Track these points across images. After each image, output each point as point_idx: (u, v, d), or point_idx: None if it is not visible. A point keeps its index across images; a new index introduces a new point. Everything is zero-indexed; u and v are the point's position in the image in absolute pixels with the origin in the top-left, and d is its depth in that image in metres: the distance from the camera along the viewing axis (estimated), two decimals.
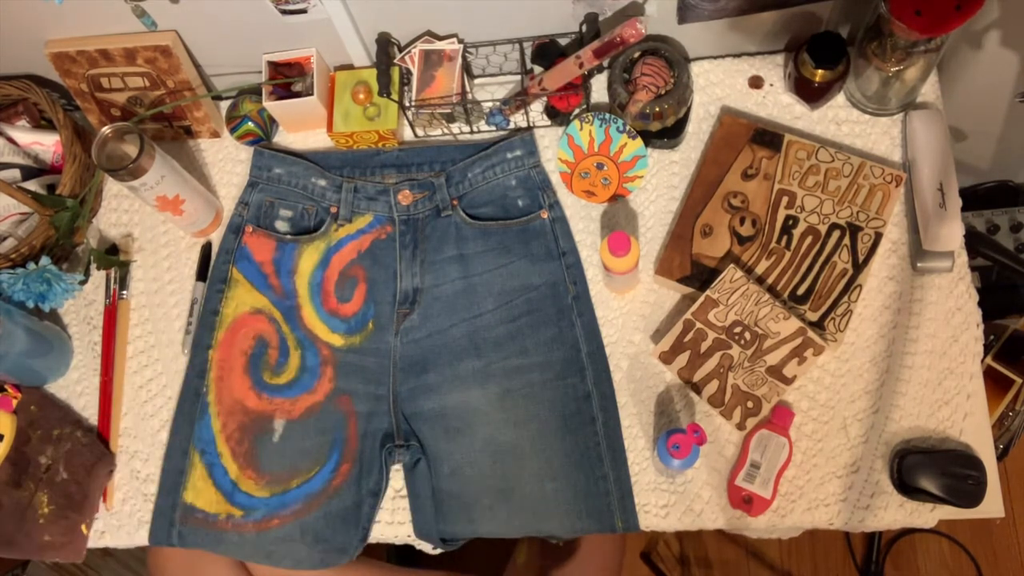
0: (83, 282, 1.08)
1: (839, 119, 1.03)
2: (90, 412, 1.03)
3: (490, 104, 1.07)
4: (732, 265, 0.93)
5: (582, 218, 1.03)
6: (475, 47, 1.05)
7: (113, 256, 1.08)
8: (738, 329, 0.91)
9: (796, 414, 0.92)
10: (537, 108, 1.08)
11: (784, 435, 0.90)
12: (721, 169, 0.99)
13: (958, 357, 0.92)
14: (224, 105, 1.15)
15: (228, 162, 1.13)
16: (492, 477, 0.94)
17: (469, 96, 1.07)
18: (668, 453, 0.83)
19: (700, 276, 0.95)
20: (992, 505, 0.87)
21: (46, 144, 1.11)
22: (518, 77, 1.10)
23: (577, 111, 1.05)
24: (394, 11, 1.01)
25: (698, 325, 0.92)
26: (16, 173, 1.07)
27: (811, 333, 0.89)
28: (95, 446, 1.00)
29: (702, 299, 0.92)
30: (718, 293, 0.92)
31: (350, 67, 1.09)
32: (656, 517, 0.91)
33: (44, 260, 1.00)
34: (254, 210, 1.06)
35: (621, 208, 1.03)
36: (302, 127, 1.11)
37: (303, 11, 0.98)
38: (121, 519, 0.99)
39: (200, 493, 0.96)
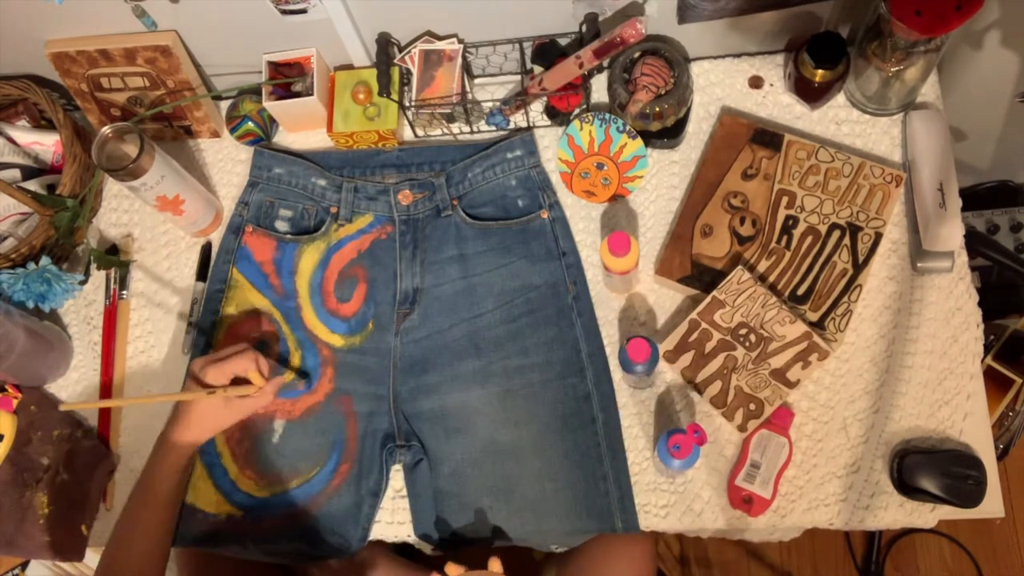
0: (83, 282, 1.08)
1: (839, 119, 1.03)
2: (90, 412, 1.03)
3: (490, 104, 1.07)
4: (740, 267, 0.93)
5: (582, 218, 1.03)
6: (475, 47, 1.05)
7: (113, 256, 1.08)
8: (743, 331, 0.91)
9: (796, 414, 0.92)
10: (537, 108, 1.08)
11: (784, 435, 0.90)
12: (721, 169, 0.99)
13: (958, 357, 0.92)
14: (224, 105, 1.15)
15: (228, 162, 1.13)
16: (492, 477, 0.94)
17: (469, 96, 1.07)
18: (668, 453, 0.83)
19: (700, 276, 0.95)
20: (992, 505, 0.87)
21: (46, 144, 1.11)
22: (518, 77, 1.10)
23: (577, 111, 1.05)
24: (394, 11, 1.01)
25: (703, 325, 0.92)
26: (16, 173, 1.07)
27: (816, 338, 0.89)
28: (95, 446, 1.00)
29: (708, 299, 0.92)
30: (725, 294, 0.92)
31: (350, 67, 1.09)
32: (656, 517, 0.92)
33: (44, 260, 1.00)
34: (254, 210, 1.06)
35: (621, 208, 1.03)
36: (302, 127, 1.11)
37: (303, 11, 0.98)
38: None
39: (200, 493, 0.96)
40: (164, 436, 0.88)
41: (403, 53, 1.05)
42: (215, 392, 0.86)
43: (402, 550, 1.09)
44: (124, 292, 1.07)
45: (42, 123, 1.14)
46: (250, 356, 0.89)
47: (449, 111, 1.06)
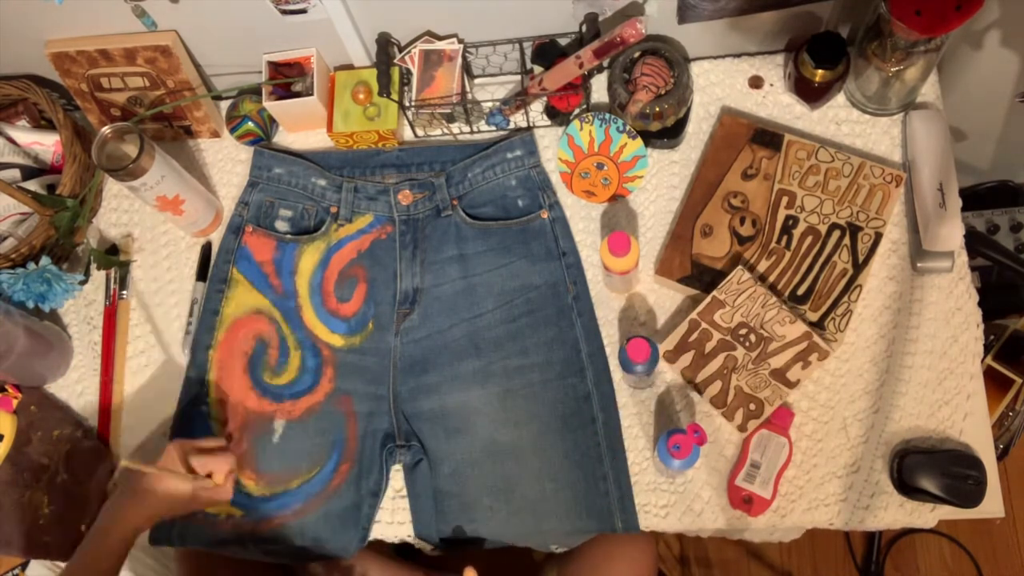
0: (83, 282, 1.08)
1: (839, 119, 1.03)
2: (90, 412, 1.03)
3: (490, 104, 1.07)
4: (740, 267, 0.93)
5: (582, 218, 1.03)
6: (475, 47, 1.05)
7: (113, 256, 1.08)
8: (743, 331, 0.91)
9: (796, 414, 0.92)
10: (537, 108, 1.08)
11: (784, 435, 0.90)
12: (721, 169, 0.99)
13: (958, 357, 0.92)
14: (224, 105, 1.15)
15: (228, 162, 1.13)
16: (492, 477, 0.94)
17: (469, 96, 1.07)
18: (668, 453, 0.83)
19: (700, 276, 0.95)
20: (992, 505, 0.87)
21: (46, 144, 1.11)
22: (518, 77, 1.10)
23: (577, 111, 1.05)
24: (394, 11, 1.01)
25: (703, 325, 0.92)
26: (16, 173, 1.07)
27: (816, 338, 0.89)
28: (95, 447, 1.00)
29: (708, 299, 0.92)
30: (725, 294, 0.92)
31: (350, 67, 1.09)
32: (656, 517, 0.92)
33: (44, 260, 1.00)
34: (254, 210, 1.06)
35: (621, 208, 1.03)
36: (302, 127, 1.11)
37: (303, 11, 0.98)
38: None
39: None
40: (117, 510, 0.84)
41: (403, 53, 1.05)
42: (193, 477, 0.86)
43: (402, 550, 1.09)
44: (124, 292, 1.07)
45: (42, 123, 1.14)
46: (230, 459, 0.89)
47: (449, 111, 1.06)
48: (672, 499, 0.92)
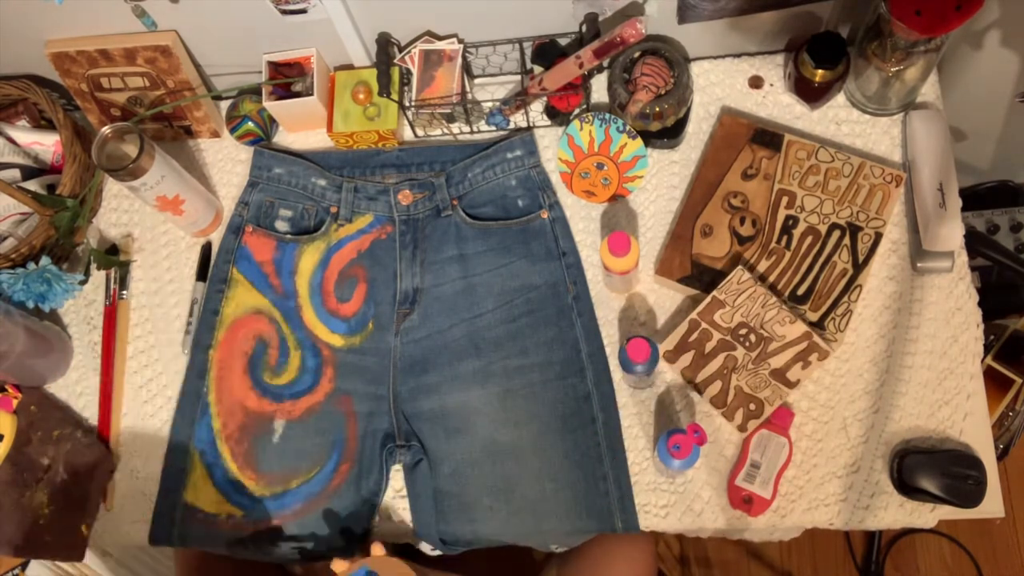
0: (83, 282, 1.08)
1: (839, 119, 1.03)
2: (90, 412, 1.03)
3: (490, 104, 1.07)
4: (740, 267, 0.93)
5: (582, 218, 1.03)
6: (475, 47, 1.05)
7: (113, 256, 1.08)
8: (743, 331, 0.91)
9: (796, 414, 0.92)
10: (537, 108, 1.08)
11: (784, 435, 0.90)
12: (721, 169, 0.99)
13: (958, 357, 0.92)
14: (224, 105, 1.15)
15: (228, 162, 1.13)
16: (492, 477, 0.94)
17: (469, 96, 1.07)
18: (668, 453, 0.83)
19: (700, 276, 0.95)
20: (992, 505, 0.87)
21: (46, 144, 1.11)
22: (518, 77, 1.10)
23: (577, 111, 1.05)
24: (394, 11, 1.01)
25: (703, 325, 0.92)
26: (16, 173, 1.07)
27: (816, 338, 0.89)
28: (95, 446, 1.00)
29: (708, 299, 0.92)
30: (725, 294, 0.92)
31: (350, 67, 1.09)
32: (656, 517, 0.92)
33: (44, 260, 1.00)
34: (254, 210, 1.06)
35: (621, 208, 1.03)
36: (302, 127, 1.11)
37: (303, 11, 0.98)
38: (121, 519, 0.99)
39: (200, 493, 0.96)
40: None
41: (403, 53, 1.05)
42: None
43: (402, 550, 1.09)
44: (124, 292, 1.07)
45: (42, 123, 1.14)
46: None
47: (449, 111, 1.06)
48: (672, 499, 0.92)
